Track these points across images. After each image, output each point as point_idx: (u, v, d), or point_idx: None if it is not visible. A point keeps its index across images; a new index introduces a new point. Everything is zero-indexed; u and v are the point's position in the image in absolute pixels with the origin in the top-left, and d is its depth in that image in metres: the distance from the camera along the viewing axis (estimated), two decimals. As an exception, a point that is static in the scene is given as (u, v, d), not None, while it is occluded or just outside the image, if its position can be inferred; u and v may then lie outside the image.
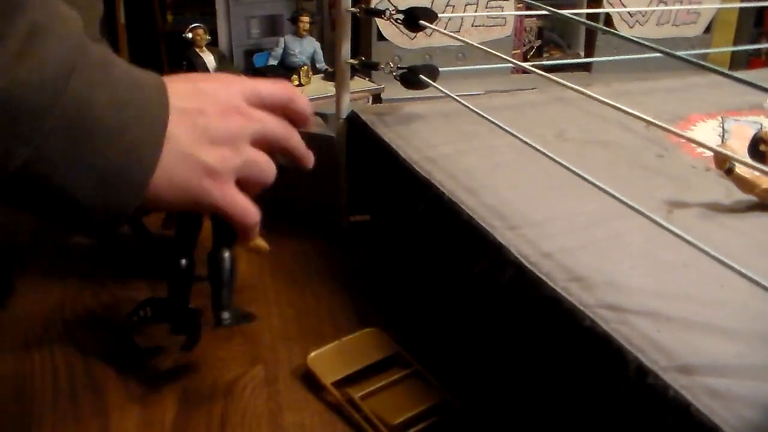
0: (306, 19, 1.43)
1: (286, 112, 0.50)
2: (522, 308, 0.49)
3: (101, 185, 0.39)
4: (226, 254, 0.52)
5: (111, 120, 0.39)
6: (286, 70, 1.35)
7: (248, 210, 0.47)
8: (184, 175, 0.43)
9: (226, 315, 0.52)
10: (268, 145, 0.48)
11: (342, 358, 0.56)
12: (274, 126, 0.49)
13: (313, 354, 0.56)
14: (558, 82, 0.54)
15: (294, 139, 0.51)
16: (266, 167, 0.48)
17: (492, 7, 1.49)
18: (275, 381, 0.56)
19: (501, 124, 0.60)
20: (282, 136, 0.49)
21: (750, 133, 0.65)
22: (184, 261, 0.54)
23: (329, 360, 0.55)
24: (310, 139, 0.80)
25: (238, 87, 0.47)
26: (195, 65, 1.29)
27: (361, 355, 0.56)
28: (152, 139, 0.41)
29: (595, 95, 0.50)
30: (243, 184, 0.47)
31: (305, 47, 1.42)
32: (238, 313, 0.54)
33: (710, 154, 0.64)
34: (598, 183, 0.49)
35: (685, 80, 0.95)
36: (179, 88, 0.44)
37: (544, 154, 0.54)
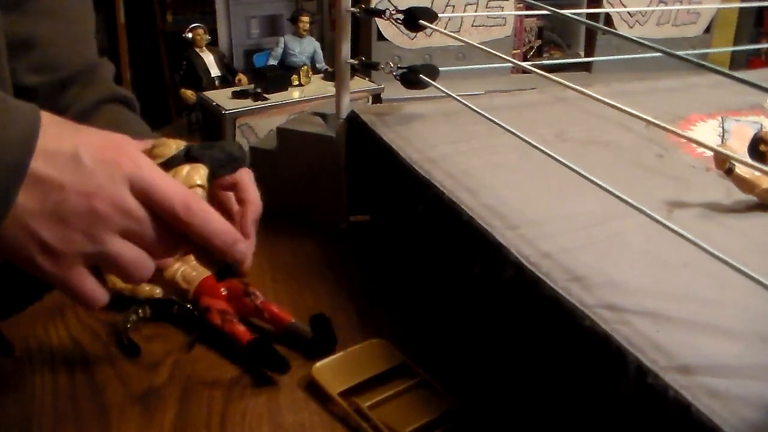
0: (306, 19, 1.43)
1: (176, 225, 0.42)
2: (522, 308, 0.49)
3: None
4: None
5: None
6: (285, 69, 1.35)
7: (90, 298, 0.42)
8: (19, 244, 0.39)
9: None
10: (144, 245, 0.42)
11: (347, 368, 0.55)
12: (148, 235, 0.42)
13: (318, 364, 0.55)
14: (558, 82, 0.54)
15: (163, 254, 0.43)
16: (133, 265, 0.42)
17: (492, 7, 1.49)
18: (275, 381, 0.56)
19: (501, 124, 0.60)
20: (155, 250, 0.42)
21: (750, 133, 0.65)
22: None
23: (335, 371, 0.55)
24: (310, 139, 0.80)
25: (128, 172, 0.40)
26: (195, 65, 1.28)
27: (367, 365, 0.55)
28: None
29: (595, 95, 0.50)
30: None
31: (305, 47, 1.42)
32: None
33: (710, 154, 0.64)
34: (598, 182, 0.49)
35: (685, 80, 0.95)
36: (54, 148, 0.39)
37: (544, 153, 0.54)
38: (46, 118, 0.39)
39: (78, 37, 0.65)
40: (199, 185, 0.45)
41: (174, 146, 0.46)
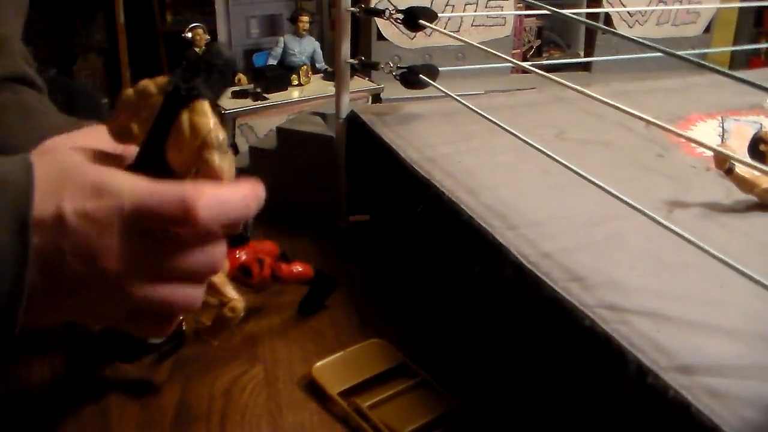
0: (305, 18, 1.43)
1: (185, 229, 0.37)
2: (522, 308, 0.49)
3: None
4: None
5: None
6: (285, 69, 1.35)
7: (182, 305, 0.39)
8: (70, 316, 0.39)
9: None
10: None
11: (347, 368, 0.55)
12: (169, 260, 0.37)
13: (318, 364, 0.55)
14: (558, 82, 0.54)
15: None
16: (176, 304, 0.38)
17: (492, 7, 1.49)
18: (275, 381, 0.56)
19: (501, 124, 0.60)
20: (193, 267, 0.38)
21: (750, 133, 0.65)
22: None
23: (334, 370, 0.55)
24: (310, 139, 0.80)
25: (114, 213, 0.35)
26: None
27: (367, 365, 0.55)
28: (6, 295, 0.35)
29: (595, 95, 0.50)
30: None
31: (305, 47, 1.42)
32: None
33: (710, 154, 0.64)
34: (598, 182, 0.49)
35: (685, 80, 0.95)
36: (42, 215, 0.34)
37: (544, 153, 0.54)
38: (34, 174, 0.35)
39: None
40: (212, 130, 0.36)
41: (154, 89, 0.38)
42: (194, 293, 0.39)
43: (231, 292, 0.46)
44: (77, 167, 0.37)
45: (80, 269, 0.35)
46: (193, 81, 0.36)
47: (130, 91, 0.39)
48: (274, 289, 0.68)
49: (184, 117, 0.36)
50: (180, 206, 0.35)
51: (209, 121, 0.36)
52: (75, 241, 0.35)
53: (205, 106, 0.36)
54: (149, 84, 0.38)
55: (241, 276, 0.56)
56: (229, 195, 0.37)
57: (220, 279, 0.48)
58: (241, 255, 0.56)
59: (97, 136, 0.45)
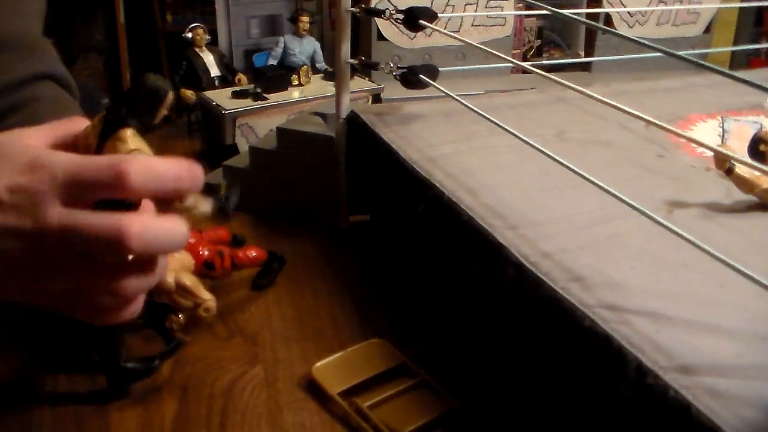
0: (306, 18, 1.42)
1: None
2: (522, 308, 0.49)
3: None
4: None
5: None
6: (285, 69, 1.35)
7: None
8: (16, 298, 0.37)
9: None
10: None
11: (347, 368, 0.55)
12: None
13: (318, 364, 0.55)
14: (558, 82, 0.54)
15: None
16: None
17: (492, 7, 1.49)
18: (275, 381, 0.56)
19: (501, 124, 0.60)
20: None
21: (750, 133, 0.65)
22: None
23: (334, 370, 0.55)
24: (310, 139, 0.80)
25: (50, 187, 0.35)
26: (195, 65, 1.28)
27: (367, 365, 0.55)
28: None
29: (595, 95, 0.50)
30: None
31: (305, 47, 1.42)
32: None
33: (710, 154, 0.64)
34: (598, 182, 0.49)
35: (685, 80, 0.95)
36: None
37: (544, 153, 0.54)
38: None
39: (9, 8, 0.63)
40: (132, 152, 0.39)
41: (97, 121, 0.41)
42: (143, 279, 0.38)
43: (204, 293, 0.50)
44: (12, 146, 0.37)
45: (19, 245, 0.35)
46: (118, 111, 0.40)
47: (88, 126, 0.41)
48: (273, 288, 0.68)
49: (108, 144, 0.39)
50: (111, 173, 0.36)
51: (127, 147, 0.39)
52: (11, 216, 0.35)
53: (126, 133, 0.39)
54: (97, 117, 0.41)
55: (204, 270, 0.61)
56: (162, 166, 0.38)
57: (191, 281, 0.56)
58: (204, 251, 0.62)
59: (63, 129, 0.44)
